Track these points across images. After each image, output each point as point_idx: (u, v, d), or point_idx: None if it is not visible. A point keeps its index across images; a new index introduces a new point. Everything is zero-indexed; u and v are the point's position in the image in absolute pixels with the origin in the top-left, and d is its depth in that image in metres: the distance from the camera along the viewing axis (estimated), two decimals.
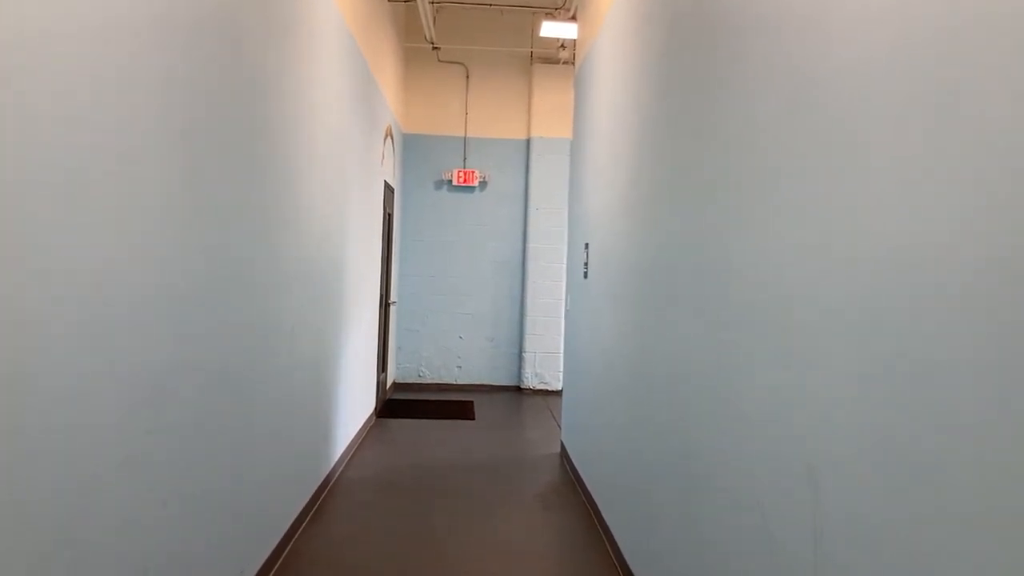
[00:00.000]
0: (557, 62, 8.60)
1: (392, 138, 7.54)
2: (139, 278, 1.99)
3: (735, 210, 2.18)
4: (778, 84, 1.88)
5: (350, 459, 5.38)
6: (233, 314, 2.76)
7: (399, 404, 7.68)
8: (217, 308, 2.59)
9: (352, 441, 5.59)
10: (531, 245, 8.70)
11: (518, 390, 8.83)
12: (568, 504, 4.60)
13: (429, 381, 8.80)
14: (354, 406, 5.68)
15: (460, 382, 8.83)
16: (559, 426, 6.88)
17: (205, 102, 2.40)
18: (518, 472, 5.32)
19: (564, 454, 5.72)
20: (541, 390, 8.76)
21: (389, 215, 7.61)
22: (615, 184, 4.10)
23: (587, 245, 5.02)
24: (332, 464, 4.80)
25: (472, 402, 7.97)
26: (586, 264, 5.02)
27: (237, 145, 2.73)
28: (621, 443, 3.65)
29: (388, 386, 8.06)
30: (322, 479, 4.50)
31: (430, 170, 8.73)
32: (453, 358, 8.81)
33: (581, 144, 5.47)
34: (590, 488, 4.52)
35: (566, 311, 6.00)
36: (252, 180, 2.92)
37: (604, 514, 4.04)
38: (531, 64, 8.73)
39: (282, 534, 3.58)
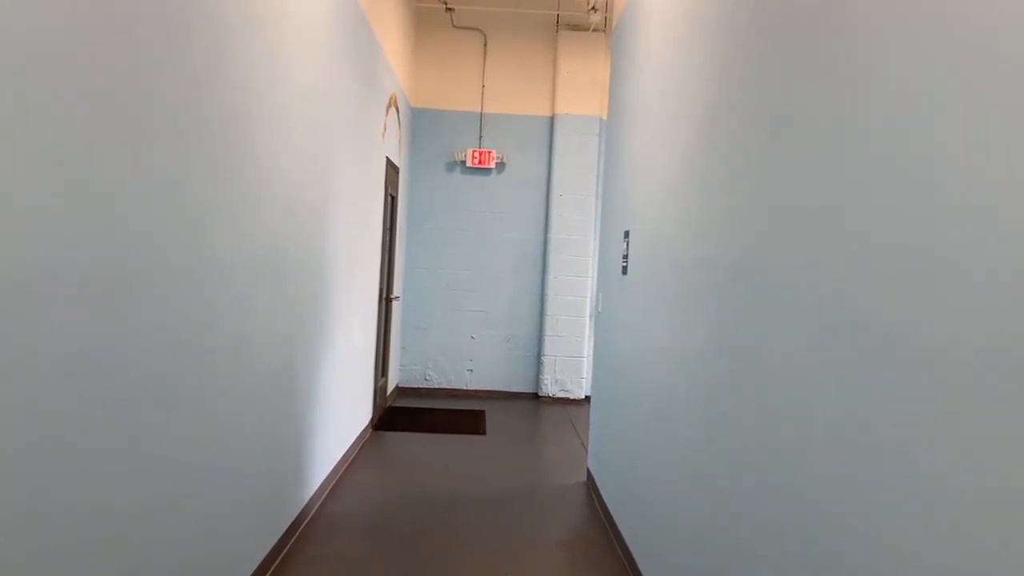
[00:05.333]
0: (587, 28, 7.62)
1: (397, 110, 6.60)
2: None
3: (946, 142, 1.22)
4: None
5: (334, 486, 4.46)
6: (123, 320, 1.83)
7: (401, 413, 6.75)
8: (96, 312, 1.66)
9: (338, 464, 4.66)
10: (553, 236, 7.73)
11: (536, 398, 7.88)
12: (599, 556, 3.65)
13: (436, 386, 7.87)
14: (342, 421, 4.76)
15: (471, 388, 7.89)
16: (583, 445, 5.93)
17: None
18: (537, 508, 4.37)
19: (591, 484, 4.77)
20: (562, 398, 7.81)
21: (393, 197, 6.68)
22: (671, 151, 3.13)
23: (627, 234, 4.05)
24: (306, 499, 3.87)
25: (484, 412, 7.03)
26: (625, 257, 4.05)
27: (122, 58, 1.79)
28: (678, 507, 2.69)
29: (389, 392, 7.14)
30: (291, 520, 3.58)
31: (441, 149, 7.78)
32: (464, 361, 7.87)
33: (620, 110, 4.50)
34: (628, 540, 3.56)
35: (597, 313, 5.04)
36: (153, 121, 1.98)
37: None
38: (557, 31, 7.74)
39: None
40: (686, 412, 2.70)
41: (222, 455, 2.62)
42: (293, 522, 3.59)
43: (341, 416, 4.72)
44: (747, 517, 2.01)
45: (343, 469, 4.81)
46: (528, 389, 7.92)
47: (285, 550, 3.44)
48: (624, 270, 4.06)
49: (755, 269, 2.05)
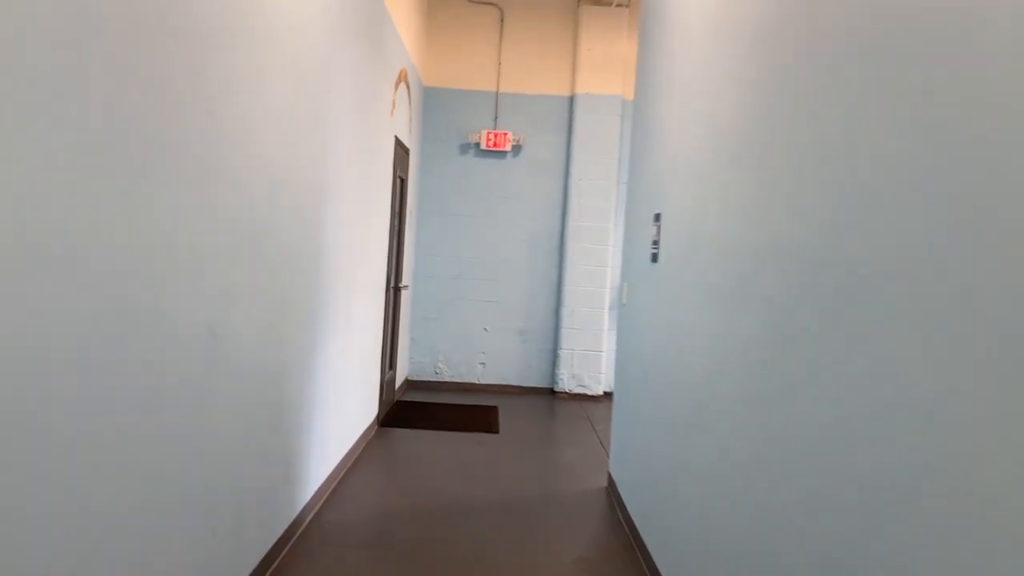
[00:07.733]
0: (609, 3, 7.18)
1: (408, 87, 6.20)
2: None
3: None
4: None
5: (333, 491, 4.09)
6: (60, 308, 1.46)
7: (409, 408, 6.38)
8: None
9: (339, 466, 4.30)
10: (572, 223, 7.32)
11: (551, 393, 7.49)
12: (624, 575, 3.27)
13: (447, 379, 7.50)
14: (343, 418, 4.39)
15: (483, 382, 7.51)
16: (602, 445, 5.54)
17: None
18: (554, 518, 3.99)
19: (613, 490, 4.39)
20: (579, 395, 7.41)
21: (402, 180, 6.29)
22: (716, 119, 2.72)
23: (657, 216, 3.65)
24: (300, 507, 3.51)
25: (496, 408, 6.65)
26: (655, 243, 3.65)
27: None
28: (718, 528, 2.30)
29: (398, 385, 6.78)
30: (281, 532, 3.21)
31: (454, 131, 7.38)
32: (476, 354, 7.49)
33: (651, 78, 4.08)
34: (656, 560, 3.18)
35: (620, 305, 4.64)
36: (82, 66, 1.60)
37: None
38: (578, 5, 7.31)
39: None
40: (732, 420, 2.31)
41: (191, 462, 2.25)
42: (283, 535, 3.23)
43: (342, 413, 4.36)
44: (803, 554, 1.62)
45: (344, 471, 4.44)
46: (543, 384, 7.53)
47: (277, 561, 3.08)
48: (654, 258, 3.66)
49: (837, 256, 1.65)
